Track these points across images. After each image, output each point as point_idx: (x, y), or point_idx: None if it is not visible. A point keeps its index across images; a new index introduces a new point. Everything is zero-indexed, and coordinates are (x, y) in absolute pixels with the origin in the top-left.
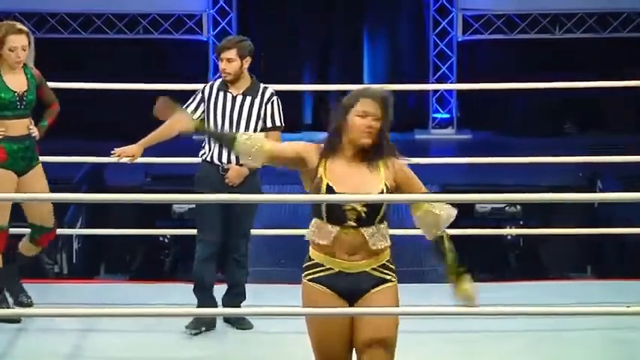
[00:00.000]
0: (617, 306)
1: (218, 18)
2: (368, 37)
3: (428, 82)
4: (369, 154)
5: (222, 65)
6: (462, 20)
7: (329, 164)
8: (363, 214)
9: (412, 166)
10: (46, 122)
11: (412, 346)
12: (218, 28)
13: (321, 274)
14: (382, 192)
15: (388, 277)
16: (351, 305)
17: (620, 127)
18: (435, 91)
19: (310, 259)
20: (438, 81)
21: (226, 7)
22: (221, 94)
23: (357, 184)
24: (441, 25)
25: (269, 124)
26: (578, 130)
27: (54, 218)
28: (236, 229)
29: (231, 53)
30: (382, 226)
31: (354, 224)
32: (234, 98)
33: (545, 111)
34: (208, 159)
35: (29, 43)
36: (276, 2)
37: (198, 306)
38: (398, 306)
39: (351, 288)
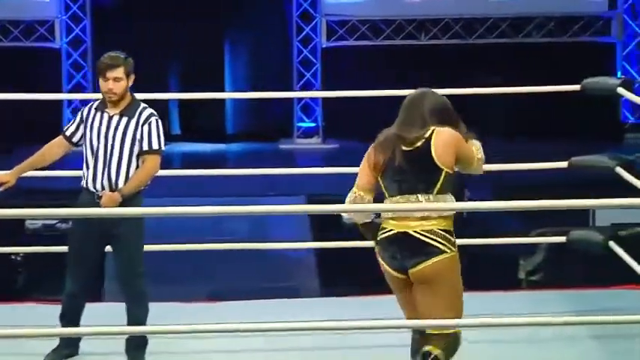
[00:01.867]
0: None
1: (71, 24)
2: (229, 43)
3: (292, 90)
4: None
5: (108, 85)
6: (326, 26)
7: None
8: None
9: (276, 178)
10: None
11: None
12: (71, 35)
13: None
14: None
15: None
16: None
17: (488, 133)
18: (300, 100)
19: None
20: (303, 89)
21: (80, 13)
22: (98, 114)
23: None
24: (305, 31)
25: (144, 147)
26: None
27: None
28: (125, 266)
29: (119, 72)
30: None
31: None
32: (110, 119)
33: None
34: (84, 185)
35: None
36: (132, 8)
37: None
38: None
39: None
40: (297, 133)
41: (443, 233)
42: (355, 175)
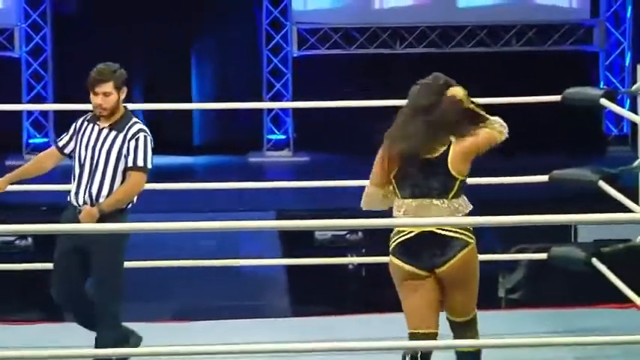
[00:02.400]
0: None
1: (31, 33)
2: (196, 52)
3: (262, 101)
4: None
5: (97, 100)
6: (297, 34)
7: None
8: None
9: (245, 192)
10: None
11: None
12: (31, 44)
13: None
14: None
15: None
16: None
17: None
18: (270, 111)
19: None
20: (273, 99)
21: (40, 22)
22: (89, 126)
23: None
24: (275, 40)
25: (129, 163)
26: None
27: None
28: (96, 286)
29: (108, 86)
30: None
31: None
32: (99, 132)
33: (385, 129)
34: (69, 199)
35: None
36: (95, 16)
37: None
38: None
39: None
40: (267, 146)
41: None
42: (327, 189)
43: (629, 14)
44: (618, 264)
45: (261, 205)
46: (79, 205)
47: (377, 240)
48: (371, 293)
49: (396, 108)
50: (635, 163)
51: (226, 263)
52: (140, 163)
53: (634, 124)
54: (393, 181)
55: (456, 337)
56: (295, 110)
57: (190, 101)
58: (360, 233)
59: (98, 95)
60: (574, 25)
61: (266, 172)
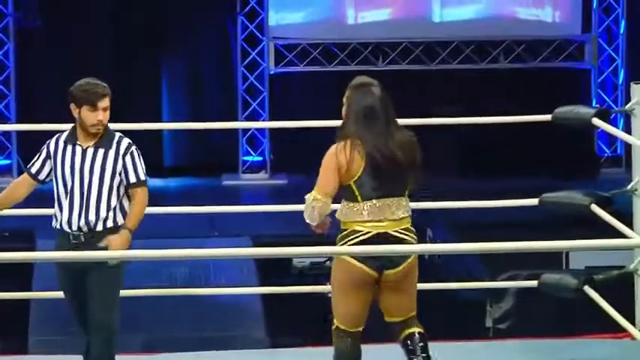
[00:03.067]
0: None
1: None
2: (167, 69)
3: (237, 121)
4: None
5: (98, 116)
6: (274, 50)
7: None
8: None
9: (220, 216)
10: None
11: None
12: None
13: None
14: None
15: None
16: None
17: (450, 167)
18: (245, 131)
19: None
20: (248, 119)
21: (2, 37)
22: (69, 147)
23: None
24: (251, 56)
25: (132, 180)
26: None
27: None
28: (91, 318)
29: (108, 101)
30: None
31: None
32: (84, 152)
33: None
34: (58, 227)
35: None
36: (60, 32)
37: None
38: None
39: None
40: (243, 168)
41: (413, 229)
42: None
43: (622, 30)
44: (611, 292)
45: (236, 231)
46: (73, 232)
47: None
48: None
49: None
50: (629, 186)
51: (199, 292)
52: (142, 177)
53: (628, 145)
54: (353, 185)
55: (397, 333)
56: (272, 130)
57: (161, 121)
58: None
59: (99, 111)
60: (565, 40)
61: (241, 195)
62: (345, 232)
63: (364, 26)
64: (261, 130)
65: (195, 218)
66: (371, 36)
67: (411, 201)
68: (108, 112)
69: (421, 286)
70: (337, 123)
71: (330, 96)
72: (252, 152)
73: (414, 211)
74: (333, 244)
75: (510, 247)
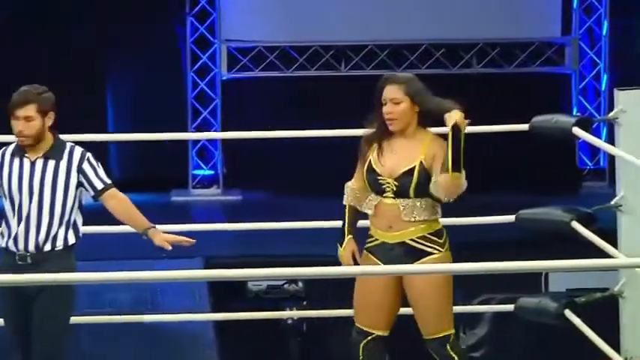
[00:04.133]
0: None
1: None
2: (111, 76)
3: (186, 131)
4: (403, 133)
5: (17, 126)
6: (227, 54)
7: (380, 146)
8: (394, 187)
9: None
10: None
11: None
12: None
13: (371, 244)
14: (414, 168)
15: (429, 250)
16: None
17: None
18: (196, 142)
19: (369, 231)
20: (199, 129)
21: None
22: (16, 160)
23: (394, 162)
24: (201, 60)
25: (99, 186)
26: None
27: None
28: (35, 350)
29: (31, 109)
30: (422, 199)
31: (391, 195)
32: (32, 165)
33: (330, 164)
34: (4, 245)
35: None
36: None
37: None
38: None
39: (391, 258)
40: (193, 183)
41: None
42: (262, 232)
43: (605, 32)
44: (594, 316)
45: (186, 251)
46: (19, 252)
47: (319, 291)
48: (313, 352)
49: (341, 139)
50: (613, 201)
51: (146, 319)
52: (108, 180)
53: (611, 157)
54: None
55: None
56: (225, 142)
57: (106, 131)
58: (299, 283)
59: (19, 120)
60: (543, 43)
61: (192, 212)
62: (444, 232)
63: (326, 28)
64: (212, 142)
65: (141, 238)
66: (333, 38)
67: None
68: (33, 123)
69: None
70: (295, 134)
71: (288, 104)
72: (203, 165)
73: None
74: (291, 265)
75: (485, 268)
